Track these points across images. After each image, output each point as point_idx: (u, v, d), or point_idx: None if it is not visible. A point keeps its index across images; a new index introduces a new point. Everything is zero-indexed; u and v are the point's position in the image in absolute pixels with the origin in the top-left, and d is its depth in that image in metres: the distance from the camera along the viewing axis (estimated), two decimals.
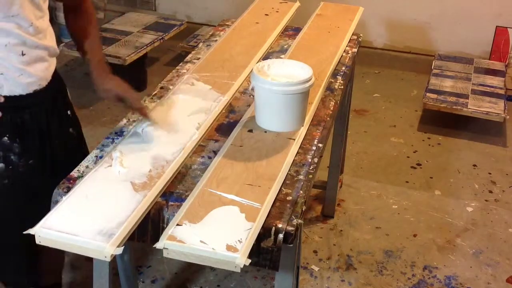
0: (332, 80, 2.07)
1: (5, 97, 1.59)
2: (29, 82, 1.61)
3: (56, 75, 1.73)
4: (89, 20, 1.74)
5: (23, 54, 1.57)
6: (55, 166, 1.73)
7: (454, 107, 3.54)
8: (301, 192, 1.48)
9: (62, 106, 1.78)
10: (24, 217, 1.52)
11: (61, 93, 1.78)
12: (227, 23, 2.51)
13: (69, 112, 1.81)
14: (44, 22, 1.62)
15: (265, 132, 1.71)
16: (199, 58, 2.16)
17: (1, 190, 1.67)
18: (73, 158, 1.64)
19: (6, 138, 1.63)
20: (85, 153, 1.74)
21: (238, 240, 1.28)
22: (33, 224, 1.31)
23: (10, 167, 1.65)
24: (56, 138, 1.74)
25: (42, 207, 1.51)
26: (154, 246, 1.29)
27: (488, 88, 3.75)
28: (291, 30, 2.47)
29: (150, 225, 1.41)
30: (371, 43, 4.48)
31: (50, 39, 1.66)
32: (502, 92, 3.71)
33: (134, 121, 1.75)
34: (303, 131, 1.73)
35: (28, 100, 1.63)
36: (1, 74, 1.56)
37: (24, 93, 1.61)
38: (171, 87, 1.95)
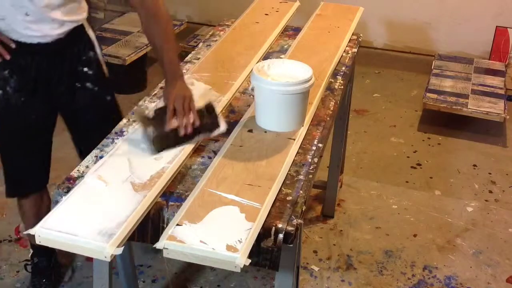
0: (332, 80, 2.07)
1: (13, 41, 1.81)
2: (32, 35, 1.81)
3: (74, 36, 1.88)
4: (163, 28, 1.71)
5: (27, 15, 1.77)
6: (62, 110, 1.99)
7: (454, 107, 3.54)
8: (301, 192, 1.48)
9: (75, 62, 1.93)
10: (24, 140, 1.96)
11: (76, 52, 1.92)
12: (227, 23, 2.51)
13: (86, 69, 1.95)
14: None
15: (265, 132, 1.71)
16: (199, 58, 2.16)
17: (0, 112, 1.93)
18: (91, 111, 1.90)
19: (6, 72, 1.87)
20: (112, 109, 1.96)
21: (238, 240, 1.28)
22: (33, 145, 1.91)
23: (6, 96, 1.89)
24: (59, 87, 1.92)
25: (38, 138, 1.99)
26: (154, 246, 1.29)
27: (488, 88, 3.75)
28: (291, 30, 2.47)
29: (150, 225, 1.41)
30: (371, 43, 4.48)
31: (63, 13, 1.80)
32: (502, 92, 3.71)
33: (134, 121, 1.75)
34: (303, 131, 1.73)
35: (32, 48, 1.84)
36: (9, 24, 1.79)
37: (28, 42, 1.82)
38: None
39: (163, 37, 1.69)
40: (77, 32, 1.90)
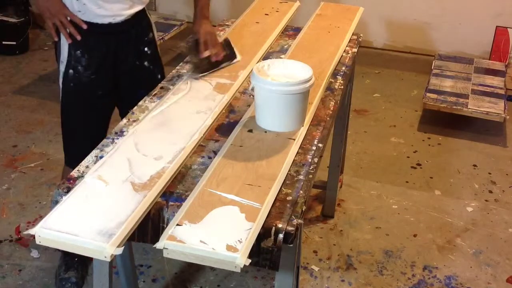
0: (332, 80, 2.07)
1: (85, 22, 1.96)
2: (105, 15, 1.98)
3: (139, 17, 2.07)
4: None
5: None
6: (118, 88, 2.13)
7: (454, 107, 3.54)
8: (301, 192, 1.48)
9: (139, 42, 2.11)
10: (88, 114, 2.13)
11: (139, 31, 2.11)
12: (227, 23, 2.52)
13: (146, 49, 2.14)
14: None
15: (265, 132, 1.71)
16: None
17: (68, 91, 2.09)
18: (146, 89, 1.95)
19: (79, 52, 2.02)
20: (155, 85, 2.01)
21: (238, 240, 1.28)
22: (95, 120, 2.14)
23: (77, 74, 2.05)
24: (124, 65, 2.09)
25: (102, 112, 2.16)
26: (154, 246, 1.29)
27: (488, 88, 3.75)
28: (291, 30, 2.47)
29: (150, 225, 1.41)
30: (371, 43, 4.48)
31: None
32: (502, 92, 3.72)
33: (134, 121, 1.75)
34: (303, 131, 1.73)
35: (102, 29, 2.00)
36: (84, 4, 1.95)
37: (99, 22, 1.99)
38: (171, 87, 1.95)
39: None
40: (141, 14, 2.09)
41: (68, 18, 1.97)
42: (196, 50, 2.01)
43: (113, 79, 2.11)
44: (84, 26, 1.97)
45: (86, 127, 2.15)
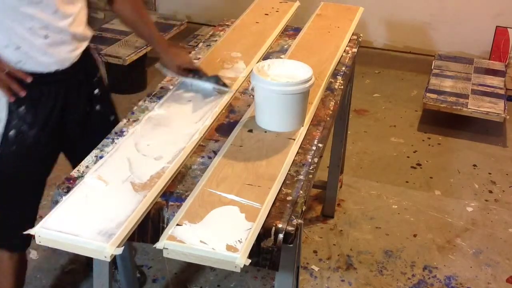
0: (332, 80, 2.07)
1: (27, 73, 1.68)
2: (51, 62, 1.70)
3: (85, 56, 1.82)
4: (132, 2, 1.84)
5: (46, 37, 1.65)
6: (66, 140, 1.87)
7: (454, 107, 3.54)
8: (301, 192, 1.48)
9: (88, 85, 1.87)
10: (32, 180, 1.83)
11: (88, 73, 1.86)
12: (227, 23, 2.51)
13: (96, 91, 1.89)
14: (74, 7, 1.71)
15: (265, 132, 1.71)
16: (199, 58, 2.16)
17: (8, 156, 1.75)
18: (99, 134, 1.72)
19: (22, 108, 1.72)
20: (108, 129, 1.80)
21: (238, 240, 1.28)
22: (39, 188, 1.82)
23: (20, 135, 1.74)
24: (74, 114, 1.84)
25: (44, 176, 1.87)
26: (154, 246, 1.29)
27: (488, 88, 3.75)
28: (291, 30, 2.47)
29: (150, 225, 1.41)
30: (371, 43, 4.48)
31: (78, 24, 1.74)
32: (502, 92, 3.71)
33: (134, 121, 1.75)
34: (303, 131, 1.73)
35: (49, 78, 1.72)
36: (25, 53, 1.65)
37: (45, 71, 1.70)
38: (171, 87, 1.95)
39: (143, 16, 1.88)
40: (87, 53, 1.84)
41: (6, 71, 1.65)
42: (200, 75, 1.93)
43: (59, 133, 1.82)
44: (29, 80, 1.67)
45: (23, 199, 1.85)
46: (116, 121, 1.94)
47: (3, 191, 1.82)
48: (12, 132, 1.72)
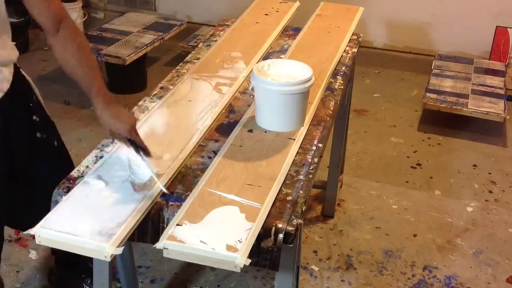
0: (332, 80, 2.07)
1: None
2: None
3: (16, 81, 1.63)
4: (76, 43, 1.49)
5: None
6: (18, 170, 1.72)
7: (454, 107, 3.54)
8: (301, 192, 1.48)
9: (25, 111, 1.70)
10: None
11: (23, 99, 1.69)
12: (227, 23, 2.51)
13: (35, 117, 1.72)
14: None
15: (265, 132, 1.71)
16: (199, 58, 2.16)
17: None
18: (44, 162, 1.61)
19: None
20: (61, 155, 1.71)
21: (238, 240, 1.28)
22: None
23: None
24: (17, 144, 1.69)
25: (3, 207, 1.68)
26: (154, 246, 1.29)
27: (488, 88, 3.75)
28: (291, 30, 2.47)
29: (150, 225, 1.41)
30: (371, 43, 4.48)
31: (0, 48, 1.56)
32: (502, 92, 3.71)
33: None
34: (303, 131, 1.73)
35: None
36: None
37: None
38: (171, 87, 1.95)
39: (87, 63, 1.49)
40: (17, 77, 1.65)
41: None
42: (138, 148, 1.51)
43: (9, 163, 1.69)
44: None
45: None
46: (62, 145, 1.83)
47: None
48: None
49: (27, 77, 1.75)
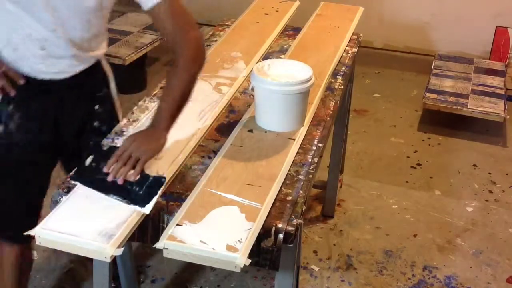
0: (332, 80, 2.07)
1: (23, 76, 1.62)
2: (46, 71, 1.62)
3: (90, 71, 1.71)
4: (176, 77, 1.55)
5: (43, 49, 1.58)
6: (61, 152, 1.79)
7: (454, 107, 3.54)
8: (301, 192, 1.48)
9: (89, 99, 1.76)
10: (21, 181, 1.74)
11: (91, 88, 1.75)
12: (227, 23, 2.51)
13: (97, 107, 1.78)
14: (83, 33, 1.61)
15: (265, 132, 1.71)
16: None
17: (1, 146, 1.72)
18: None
19: (11, 107, 1.67)
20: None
21: (238, 240, 1.28)
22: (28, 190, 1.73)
23: (7, 132, 1.69)
24: (68, 128, 1.74)
25: (38, 181, 1.78)
26: (154, 246, 1.29)
27: (488, 88, 3.75)
28: (291, 30, 2.47)
29: (150, 225, 1.41)
30: (371, 43, 4.48)
31: (83, 47, 1.64)
32: (502, 92, 3.71)
33: (134, 121, 1.75)
34: (303, 131, 1.73)
35: (42, 86, 1.65)
36: (21, 56, 1.59)
37: (39, 77, 1.63)
38: None
39: (174, 83, 1.55)
40: (94, 68, 1.74)
41: (2, 69, 1.62)
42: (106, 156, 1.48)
43: (54, 145, 1.75)
44: (21, 81, 1.63)
45: (11, 198, 1.78)
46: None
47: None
48: (0, 128, 1.69)
49: (107, 70, 1.81)
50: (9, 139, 1.70)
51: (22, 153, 1.72)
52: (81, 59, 1.66)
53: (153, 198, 1.39)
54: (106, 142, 1.63)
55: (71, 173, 1.48)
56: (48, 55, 1.60)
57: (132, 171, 1.44)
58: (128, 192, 1.40)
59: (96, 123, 1.78)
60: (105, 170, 1.44)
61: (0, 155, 1.72)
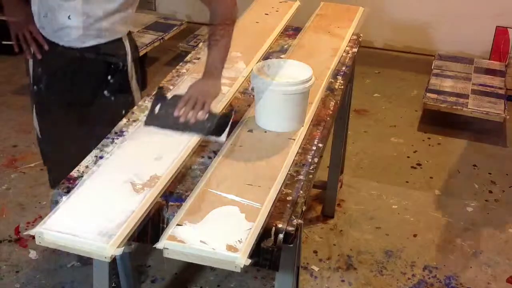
0: (332, 80, 2.07)
1: (47, 40, 1.86)
2: (68, 38, 1.82)
3: (110, 44, 1.88)
4: (219, 32, 1.79)
5: (69, 18, 1.78)
6: (80, 112, 1.96)
7: (454, 107, 3.54)
8: (301, 192, 1.48)
9: (103, 69, 1.91)
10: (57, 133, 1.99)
11: (108, 59, 1.90)
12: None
13: (109, 77, 1.92)
14: (107, 5, 1.78)
15: (265, 132, 1.71)
16: (199, 58, 2.16)
17: (39, 106, 1.98)
18: (99, 116, 1.88)
19: (40, 70, 1.92)
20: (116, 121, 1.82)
21: (238, 240, 1.28)
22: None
23: (42, 92, 1.93)
24: (83, 89, 1.92)
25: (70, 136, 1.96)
26: (154, 246, 1.29)
27: (488, 88, 3.75)
28: (291, 30, 2.47)
29: (150, 225, 1.41)
30: (371, 43, 4.48)
31: (106, 21, 1.81)
32: (502, 92, 3.71)
33: (134, 121, 1.75)
34: (303, 131, 1.73)
35: (66, 52, 1.84)
36: (49, 22, 1.81)
37: (60, 43, 1.84)
38: (171, 87, 1.95)
39: (218, 37, 1.76)
40: (115, 42, 1.91)
41: (33, 34, 1.87)
42: (168, 103, 1.70)
43: (80, 103, 1.96)
44: (46, 47, 1.87)
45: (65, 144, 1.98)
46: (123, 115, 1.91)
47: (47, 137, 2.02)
48: (35, 88, 1.93)
49: (127, 48, 1.96)
50: (39, 98, 1.94)
51: (57, 110, 1.94)
52: (100, 31, 1.83)
53: (226, 127, 1.63)
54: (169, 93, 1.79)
55: (145, 120, 1.69)
56: (72, 24, 1.78)
57: (201, 112, 1.63)
58: (202, 128, 1.63)
59: (106, 92, 1.93)
60: (175, 113, 1.64)
61: (42, 110, 1.97)
